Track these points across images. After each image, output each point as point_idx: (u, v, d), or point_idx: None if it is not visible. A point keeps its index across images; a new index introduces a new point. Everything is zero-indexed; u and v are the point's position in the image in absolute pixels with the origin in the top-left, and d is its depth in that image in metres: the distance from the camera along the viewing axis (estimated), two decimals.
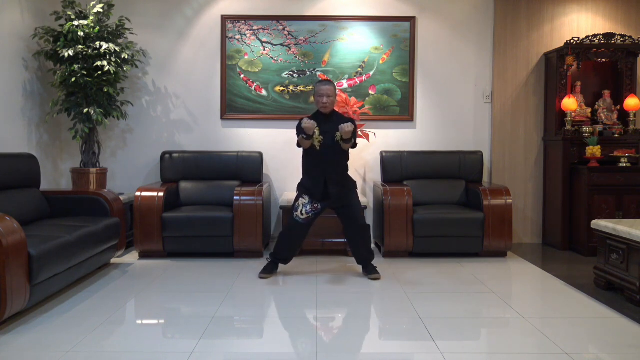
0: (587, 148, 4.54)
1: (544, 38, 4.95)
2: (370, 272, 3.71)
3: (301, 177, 3.75)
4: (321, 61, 4.93)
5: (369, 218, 4.94)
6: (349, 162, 3.74)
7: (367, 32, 4.92)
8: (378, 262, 4.16)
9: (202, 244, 4.23)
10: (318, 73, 4.92)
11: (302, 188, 3.68)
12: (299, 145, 3.62)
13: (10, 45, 4.18)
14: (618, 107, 4.79)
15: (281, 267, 3.87)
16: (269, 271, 3.73)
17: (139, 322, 2.98)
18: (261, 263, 4.08)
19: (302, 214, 3.59)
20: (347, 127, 3.40)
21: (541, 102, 4.99)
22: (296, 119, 4.24)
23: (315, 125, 3.49)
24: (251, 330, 2.81)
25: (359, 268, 3.85)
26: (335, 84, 4.78)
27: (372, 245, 4.78)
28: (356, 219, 3.65)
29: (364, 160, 5.02)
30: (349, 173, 3.78)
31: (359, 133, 4.58)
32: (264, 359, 2.38)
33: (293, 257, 3.83)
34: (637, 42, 4.62)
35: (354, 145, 3.64)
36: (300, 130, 3.50)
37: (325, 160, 3.57)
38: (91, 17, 4.32)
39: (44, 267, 2.82)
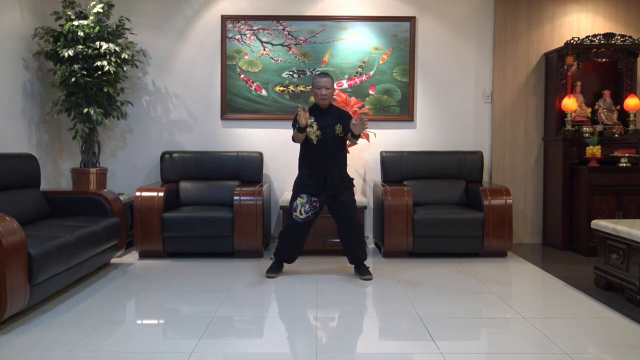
0: (587, 148, 4.54)
1: (544, 38, 4.95)
2: (362, 272, 3.70)
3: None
4: (321, 61, 4.93)
5: (369, 218, 4.94)
6: (347, 160, 3.74)
7: (367, 32, 4.92)
8: (378, 262, 4.17)
9: (202, 244, 4.23)
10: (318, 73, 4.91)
11: (299, 186, 3.65)
12: (294, 139, 3.60)
13: (10, 45, 4.18)
14: (618, 107, 4.79)
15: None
16: (275, 271, 3.73)
17: (139, 322, 2.98)
18: (261, 263, 4.09)
19: (301, 214, 3.58)
20: (360, 127, 3.39)
21: (541, 102, 4.99)
22: None
23: (310, 119, 3.49)
24: (251, 330, 2.81)
25: None
26: (335, 83, 4.79)
27: (372, 245, 4.81)
28: (350, 218, 3.64)
29: (364, 160, 5.02)
30: (348, 173, 3.78)
31: None
32: (264, 359, 2.38)
33: (297, 257, 3.82)
34: (637, 42, 4.62)
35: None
36: (295, 122, 3.49)
37: (325, 154, 3.56)
38: (91, 17, 4.32)
39: (44, 267, 2.82)
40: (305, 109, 3.44)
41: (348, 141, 3.71)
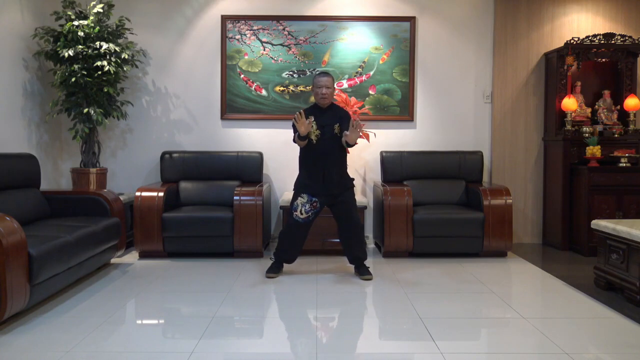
0: (587, 148, 4.54)
1: (544, 38, 4.95)
2: (362, 272, 3.70)
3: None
4: (321, 61, 4.93)
5: (369, 218, 4.94)
6: (347, 160, 3.74)
7: (367, 32, 4.92)
8: (378, 261, 4.18)
9: (202, 244, 4.23)
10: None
11: (299, 186, 3.66)
12: (295, 140, 3.61)
13: (10, 45, 4.17)
14: (618, 107, 4.79)
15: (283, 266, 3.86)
16: (275, 271, 3.73)
17: (139, 322, 2.98)
18: (261, 263, 4.09)
19: (301, 214, 3.58)
20: (354, 135, 3.38)
21: (541, 102, 4.99)
22: None
23: (312, 124, 3.48)
24: (251, 330, 2.81)
25: None
26: (335, 83, 4.79)
27: (372, 245, 4.81)
28: (350, 218, 3.64)
29: (364, 160, 5.02)
30: (348, 173, 3.78)
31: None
32: (264, 359, 2.38)
33: (297, 257, 3.82)
34: (637, 42, 4.62)
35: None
36: (296, 129, 3.49)
37: (324, 154, 3.56)
38: (91, 17, 4.32)
39: (44, 267, 2.82)
40: (309, 118, 3.43)
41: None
